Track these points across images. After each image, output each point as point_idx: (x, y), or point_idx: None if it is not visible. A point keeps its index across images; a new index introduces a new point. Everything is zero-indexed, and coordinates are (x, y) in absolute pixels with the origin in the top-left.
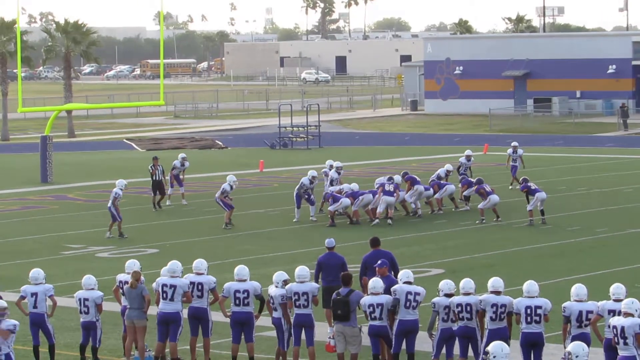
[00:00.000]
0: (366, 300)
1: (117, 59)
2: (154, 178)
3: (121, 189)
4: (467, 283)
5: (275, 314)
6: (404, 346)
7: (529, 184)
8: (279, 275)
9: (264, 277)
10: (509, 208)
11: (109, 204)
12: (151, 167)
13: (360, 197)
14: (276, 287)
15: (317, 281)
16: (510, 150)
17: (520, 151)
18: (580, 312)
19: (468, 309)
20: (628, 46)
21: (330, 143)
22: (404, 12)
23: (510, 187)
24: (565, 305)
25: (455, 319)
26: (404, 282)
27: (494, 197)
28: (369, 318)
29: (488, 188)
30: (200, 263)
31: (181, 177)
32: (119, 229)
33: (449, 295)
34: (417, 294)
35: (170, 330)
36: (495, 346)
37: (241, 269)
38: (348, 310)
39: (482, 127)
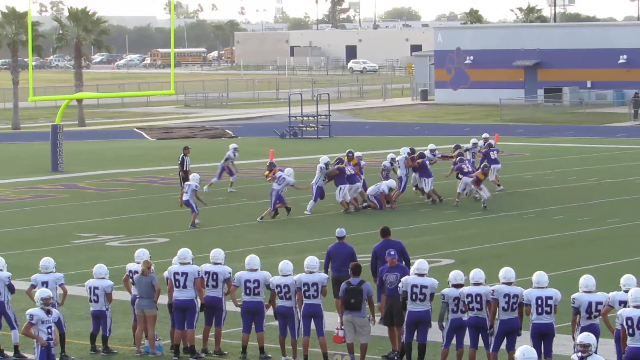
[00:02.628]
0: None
1: (127, 48)
2: (184, 168)
3: (197, 183)
4: (477, 273)
5: (287, 303)
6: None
7: (462, 165)
8: (285, 264)
9: (274, 267)
10: (520, 198)
11: (187, 198)
12: (182, 157)
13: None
14: (285, 276)
15: (326, 271)
16: (480, 142)
17: (480, 143)
18: (590, 304)
19: (478, 299)
20: (639, 36)
21: (340, 132)
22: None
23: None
24: (575, 297)
25: (465, 309)
26: (415, 274)
27: (465, 179)
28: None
29: (466, 169)
30: (217, 253)
31: (232, 167)
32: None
33: (458, 286)
34: (423, 286)
35: (187, 318)
36: (587, 338)
37: (252, 259)
38: (361, 300)
39: (492, 117)
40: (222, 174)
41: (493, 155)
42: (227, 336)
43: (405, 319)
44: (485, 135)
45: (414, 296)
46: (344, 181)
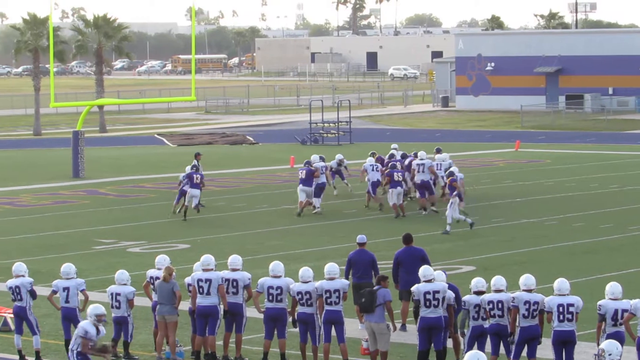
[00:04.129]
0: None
1: (148, 55)
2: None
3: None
4: (498, 280)
5: (308, 310)
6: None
7: (393, 172)
8: (305, 271)
9: (295, 274)
10: (541, 205)
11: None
12: (196, 163)
13: None
14: (305, 282)
15: (347, 277)
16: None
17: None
18: (616, 311)
19: (499, 306)
20: None
21: (361, 139)
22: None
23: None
24: (601, 304)
25: (486, 316)
26: (424, 281)
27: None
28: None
29: (395, 177)
30: (235, 259)
31: (343, 172)
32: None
33: (479, 293)
34: (435, 292)
35: (209, 324)
36: (611, 345)
37: (276, 265)
38: (371, 301)
39: (513, 124)
40: (334, 178)
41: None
42: (247, 342)
43: (418, 324)
44: (394, 146)
45: (427, 303)
46: (395, 185)
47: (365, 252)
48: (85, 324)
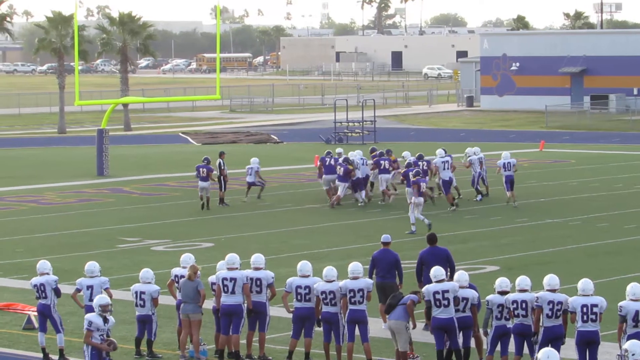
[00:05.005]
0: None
1: (173, 53)
2: (223, 172)
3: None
4: (522, 280)
5: (331, 309)
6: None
7: (380, 160)
8: (329, 270)
9: (319, 273)
10: (565, 205)
11: (252, 179)
12: (220, 161)
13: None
14: (329, 282)
15: (370, 277)
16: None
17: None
18: (637, 312)
19: (523, 305)
20: None
21: (386, 138)
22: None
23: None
24: (622, 305)
25: (510, 316)
26: (435, 282)
27: (385, 176)
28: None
29: (382, 165)
30: (258, 258)
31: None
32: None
33: (503, 293)
34: (445, 291)
35: (233, 323)
36: (635, 345)
37: (304, 265)
38: (397, 301)
39: (538, 124)
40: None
41: (384, 164)
42: (271, 341)
43: (431, 325)
44: (373, 147)
45: (437, 303)
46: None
47: (389, 252)
48: (90, 316)
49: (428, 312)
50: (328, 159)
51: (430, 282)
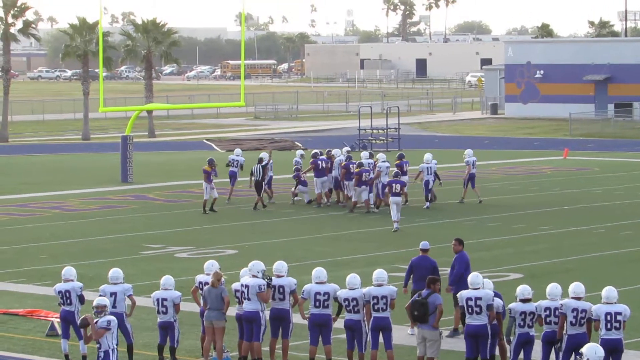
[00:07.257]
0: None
1: (197, 60)
2: (256, 178)
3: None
4: (553, 288)
5: (355, 316)
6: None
7: (363, 170)
8: (352, 278)
9: (342, 280)
10: (589, 213)
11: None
12: (260, 167)
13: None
14: (352, 289)
15: (406, 283)
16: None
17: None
18: None
19: (556, 313)
20: None
21: (410, 145)
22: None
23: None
24: None
25: (539, 323)
26: (471, 289)
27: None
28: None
29: (364, 177)
30: (280, 265)
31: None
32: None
33: (525, 301)
34: (477, 298)
35: (253, 330)
36: (590, 349)
37: (319, 271)
38: (425, 312)
39: (561, 132)
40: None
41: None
42: (294, 348)
43: (464, 331)
44: (346, 148)
45: (470, 309)
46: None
47: (427, 259)
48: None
49: (462, 317)
50: (320, 162)
51: (419, 287)
